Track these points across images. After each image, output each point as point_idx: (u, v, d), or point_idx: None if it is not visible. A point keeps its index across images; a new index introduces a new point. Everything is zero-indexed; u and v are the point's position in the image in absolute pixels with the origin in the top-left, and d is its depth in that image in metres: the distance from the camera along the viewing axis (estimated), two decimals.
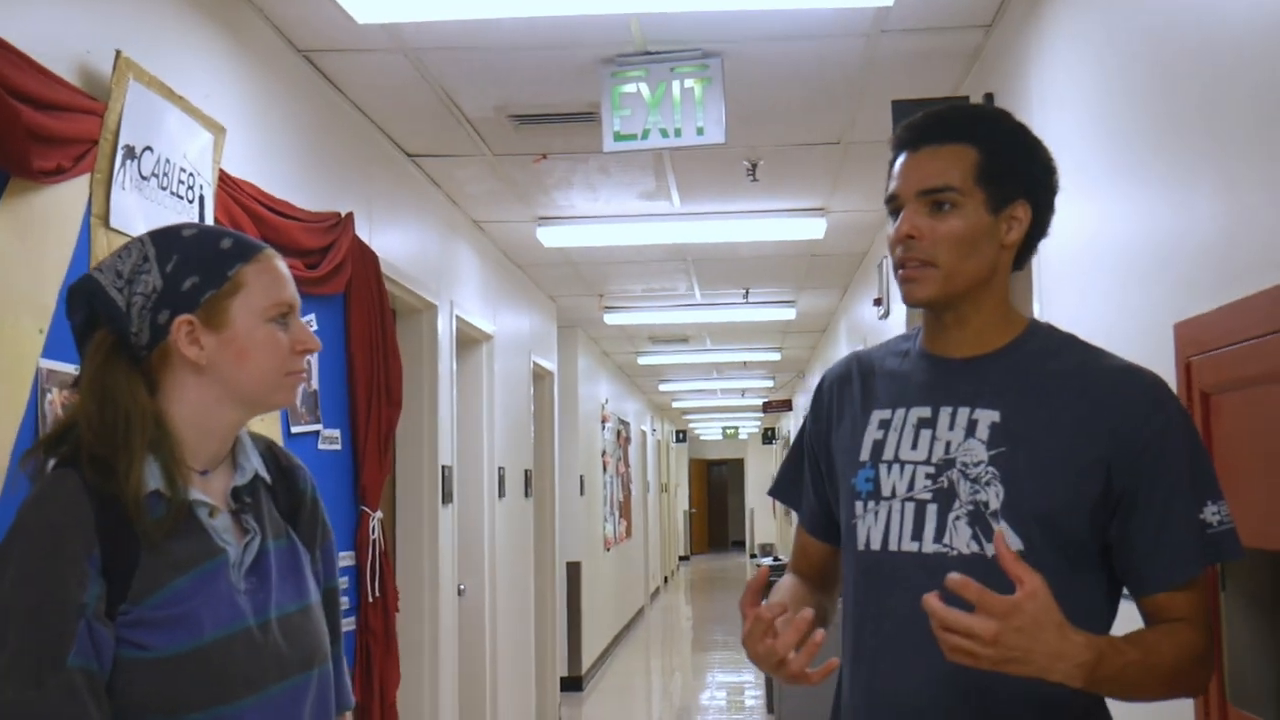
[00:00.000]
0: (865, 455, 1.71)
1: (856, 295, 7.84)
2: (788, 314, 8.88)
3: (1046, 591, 1.40)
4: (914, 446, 1.67)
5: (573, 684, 9.33)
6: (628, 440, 13.94)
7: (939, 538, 1.62)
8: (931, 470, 1.64)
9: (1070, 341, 1.72)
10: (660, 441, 19.83)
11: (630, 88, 3.78)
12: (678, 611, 17.18)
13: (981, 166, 1.64)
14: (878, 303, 6.34)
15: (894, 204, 1.69)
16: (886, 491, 1.67)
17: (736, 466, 28.59)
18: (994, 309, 1.70)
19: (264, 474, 1.67)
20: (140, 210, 2.63)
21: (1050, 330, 1.75)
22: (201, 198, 2.91)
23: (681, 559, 25.23)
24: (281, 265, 1.64)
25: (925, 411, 1.68)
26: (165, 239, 1.59)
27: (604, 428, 11.58)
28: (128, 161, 2.59)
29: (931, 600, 1.42)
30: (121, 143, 2.55)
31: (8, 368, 2.20)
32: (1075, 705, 1.61)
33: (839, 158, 5.01)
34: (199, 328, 1.55)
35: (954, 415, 1.65)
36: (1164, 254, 2.30)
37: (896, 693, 1.65)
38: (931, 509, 1.63)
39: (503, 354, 6.71)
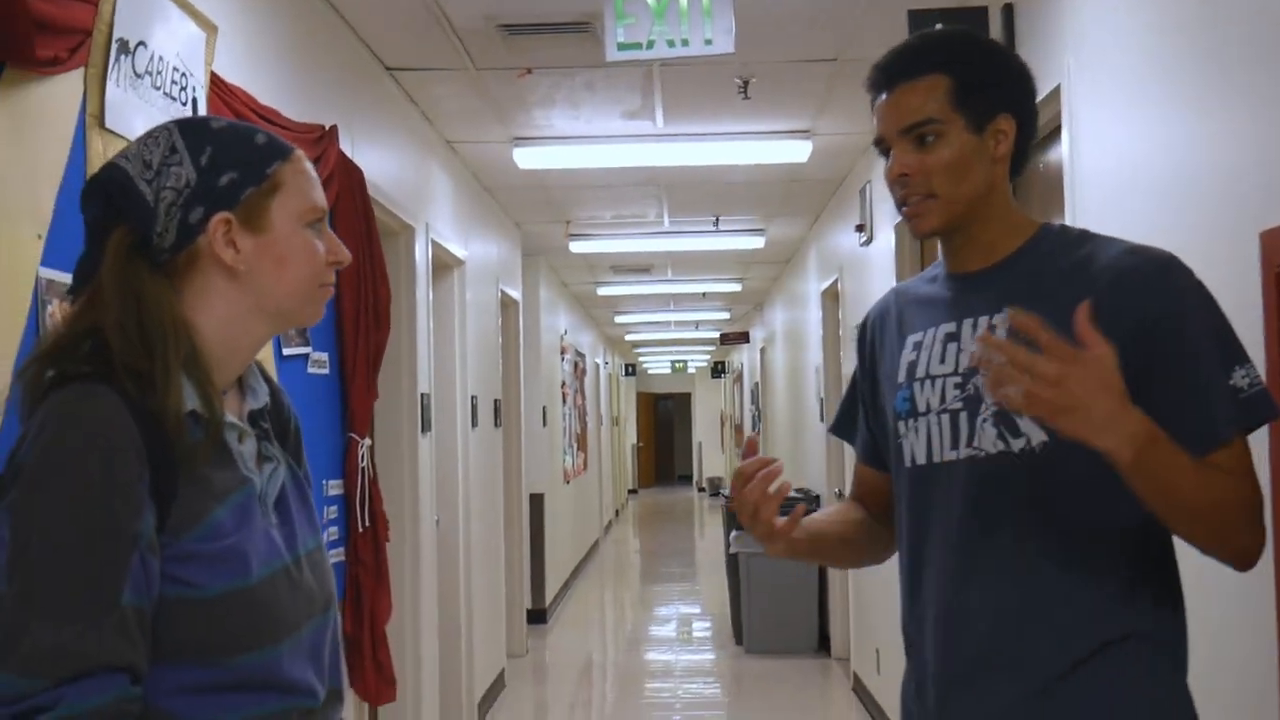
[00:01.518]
0: (902, 377, 1.78)
1: (830, 222, 7.71)
2: (756, 243, 8.75)
3: (1114, 361, 1.43)
4: (942, 361, 1.72)
5: (537, 616, 9.26)
6: (584, 373, 13.81)
7: (970, 442, 1.67)
8: (959, 380, 1.70)
9: (1080, 237, 1.74)
10: (611, 375, 19.72)
11: None
12: (630, 545, 17.19)
13: (956, 91, 1.68)
14: (860, 228, 6.22)
15: (882, 146, 1.75)
16: (921, 407, 1.73)
17: (683, 401, 28.59)
18: (999, 220, 1.74)
19: (268, 400, 1.53)
20: (136, 110, 2.44)
21: (1062, 230, 1.78)
22: (194, 100, 2.71)
23: (630, 492, 25.25)
24: (311, 167, 1.49)
25: (951, 327, 1.74)
26: (194, 129, 1.43)
27: (563, 359, 11.44)
28: (122, 56, 2.39)
29: (989, 336, 1.47)
30: (116, 35, 2.35)
31: (6, 277, 2.02)
32: (1123, 612, 1.60)
33: (832, 76, 4.85)
34: (237, 228, 1.40)
35: (975, 325, 1.70)
36: (1245, 162, 2.18)
37: (953, 598, 1.68)
38: (963, 417, 1.68)
39: (473, 281, 6.52)
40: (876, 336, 1.91)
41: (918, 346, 1.77)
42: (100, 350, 1.33)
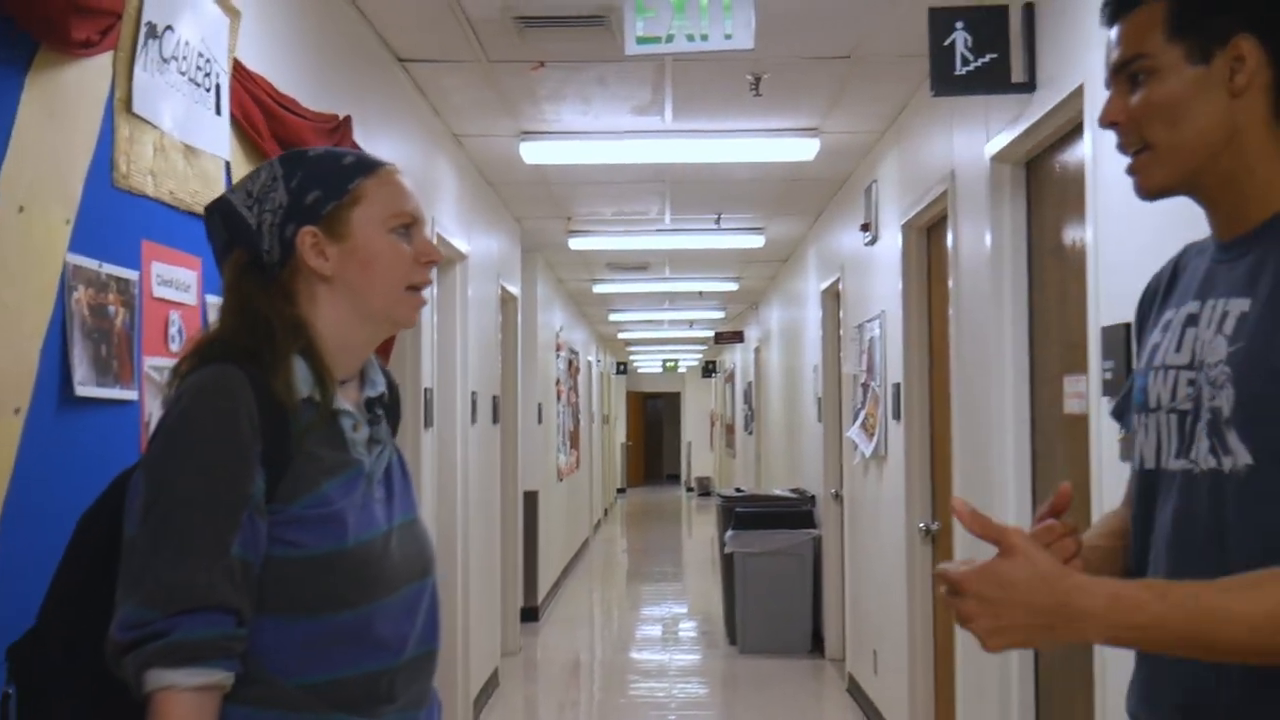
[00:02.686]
0: (1142, 362, 1.53)
1: (831, 222, 7.70)
2: (756, 241, 8.73)
3: (1030, 547, 1.30)
4: (1178, 349, 1.45)
5: (529, 614, 9.22)
6: (578, 370, 13.78)
7: (1189, 452, 1.41)
8: (1192, 375, 1.42)
9: None
10: (603, 373, 19.69)
11: None
12: (619, 544, 17.16)
13: (1171, 18, 1.41)
14: (865, 228, 6.21)
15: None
16: (1153, 402, 1.48)
17: (673, 400, 28.57)
18: (1249, 176, 1.41)
19: (385, 390, 1.72)
20: (162, 95, 2.40)
21: None
22: (218, 86, 2.68)
23: (619, 491, 25.22)
24: (403, 179, 1.67)
25: (1194, 307, 1.46)
26: (291, 159, 1.64)
27: (558, 356, 11.40)
28: (150, 40, 2.35)
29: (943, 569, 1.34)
30: (144, 19, 2.32)
31: (36, 260, 1.98)
32: None
33: (845, 74, 4.84)
34: (323, 238, 1.59)
35: (1213, 309, 1.42)
36: None
37: None
38: (1189, 420, 1.42)
39: (475, 276, 6.49)
40: (1146, 311, 1.63)
41: (1165, 327, 1.50)
42: (225, 343, 1.56)
